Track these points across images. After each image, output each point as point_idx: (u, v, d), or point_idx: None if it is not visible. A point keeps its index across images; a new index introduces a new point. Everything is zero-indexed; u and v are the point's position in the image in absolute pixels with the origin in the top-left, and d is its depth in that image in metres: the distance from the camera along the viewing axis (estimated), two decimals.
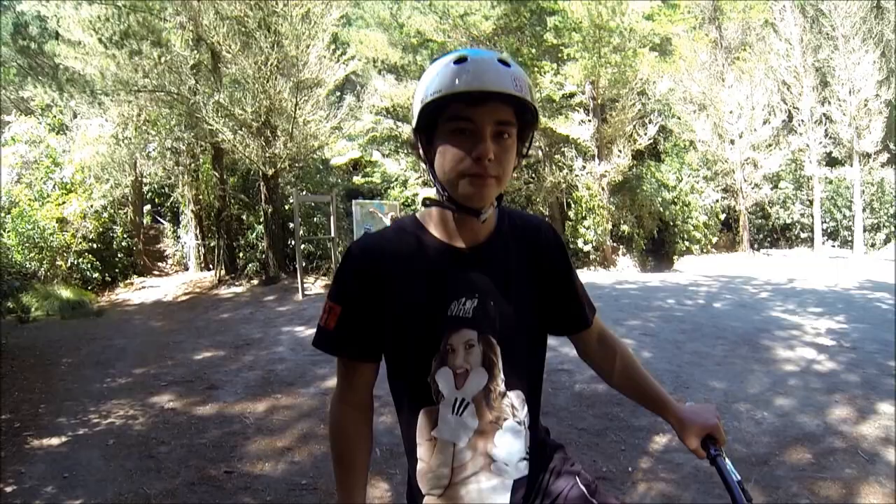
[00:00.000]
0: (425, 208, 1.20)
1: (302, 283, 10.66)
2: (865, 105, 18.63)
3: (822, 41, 19.34)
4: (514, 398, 1.17)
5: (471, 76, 1.02)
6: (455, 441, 1.14)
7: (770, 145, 19.39)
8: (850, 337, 6.30)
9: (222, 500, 3.25)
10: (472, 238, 1.16)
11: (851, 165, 19.36)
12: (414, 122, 1.12)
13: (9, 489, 3.44)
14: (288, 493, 3.30)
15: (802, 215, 21.04)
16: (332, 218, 11.83)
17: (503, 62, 1.05)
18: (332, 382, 5.04)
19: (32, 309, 10.28)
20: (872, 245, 19.88)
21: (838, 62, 18.82)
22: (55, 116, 15.38)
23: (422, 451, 1.16)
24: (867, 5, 18.69)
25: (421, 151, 1.14)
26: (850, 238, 19.88)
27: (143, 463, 3.74)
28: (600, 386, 4.65)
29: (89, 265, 13.20)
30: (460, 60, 1.04)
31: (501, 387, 1.16)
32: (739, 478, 1.10)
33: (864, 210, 19.38)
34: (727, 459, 1.15)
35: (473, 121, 1.04)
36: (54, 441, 4.19)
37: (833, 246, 20.38)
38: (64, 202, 13.26)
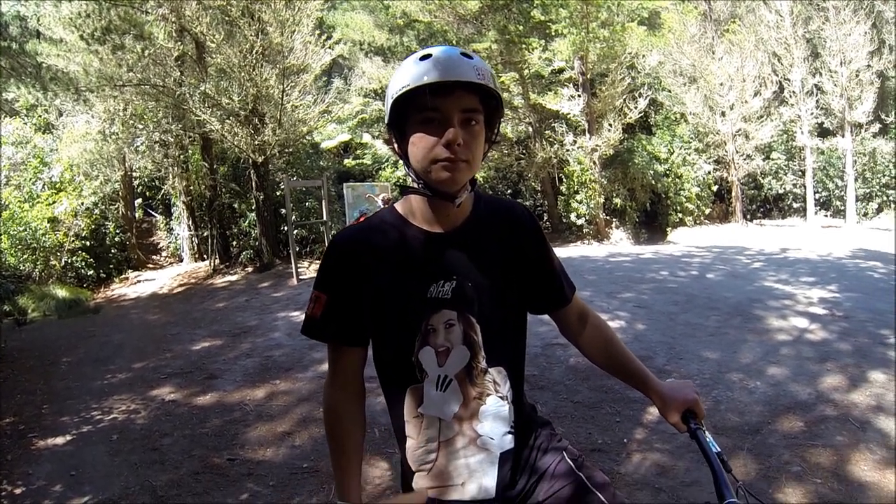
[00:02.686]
0: (403, 197, 1.26)
1: (296, 267, 10.68)
2: (857, 76, 18.59)
3: (813, 12, 19.18)
4: (496, 374, 1.23)
5: (436, 70, 1.08)
6: (441, 417, 1.20)
7: (761, 116, 19.36)
8: (843, 306, 6.35)
9: (226, 487, 3.30)
10: (449, 223, 1.22)
11: (843, 136, 19.36)
12: (387, 117, 1.18)
13: (18, 491, 3.48)
14: (290, 476, 3.36)
15: (795, 186, 21.10)
16: (323, 202, 11.84)
17: (465, 55, 1.12)
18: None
19: (29, 310, 10.28)
20: (865, 214, 20.00)
21: (829, 33, 18.69)
22: (40, 116, 15.31)
23: (410, 428, 1.22)
24: None
25: (395, 145, 1.20)
26: (842, 208, 19.97)
27: (148, 456, 3.79)
28: None
29: (83, 263, 13.21)
30: (425, 57, 1.11)
31: (483, 363, 1.21)
32: (719, 449, 1.15)
33: (856, 180, 19.44)
34: (707, 432, 1.21)
35: (441, 110, 1.10)
36: (59, 440, 4.22)
37: (826, 216, 20.50)
38: (54, 202, 13.22)
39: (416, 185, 1.18)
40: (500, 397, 1.23)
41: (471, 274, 1.20)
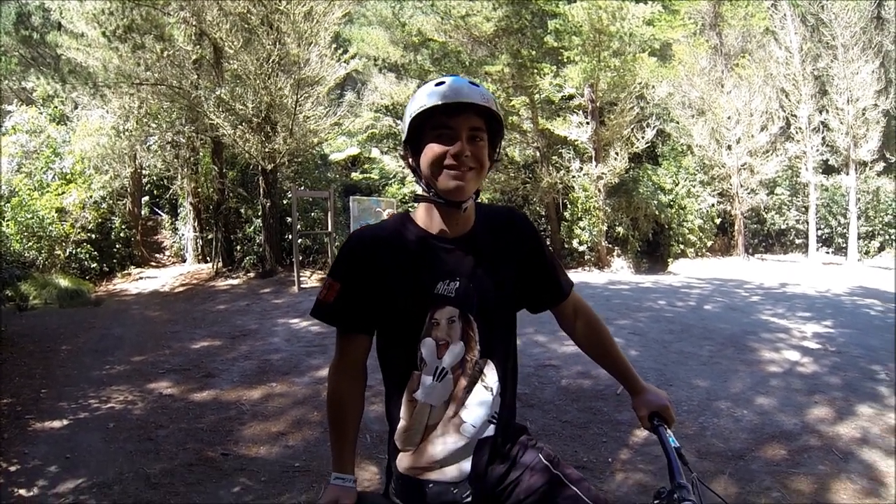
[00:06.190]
0: (416, 204, 1.42)
1: (298, 276, 10.78)
2: (863, 114, 18.82)
3: (822, 50, 19.48)
4: (485, 366, 1.37)
5: (449, 93, 1.28)
6: (432, 403, 1.33)
7: (767, 151, 19.52)
8: (836, 341, 6.41)
9: (219, 479, 3.38)
10: (457, 230, 1.37)
11: (847, 174, 19.54)
12: (404, 135, 1.36)
13: (13, 468, 3.57)
14: (281, 474, 3.43)
15: (798, 221, 21.22)
16: (329, 213, 11.96)
17: (473, 83, 1.31)
18: (325, 372, 5.18)
19: (31, 297, 10.40)
20: (866, 252, 20.09)
21: (837, 71, 18.97)
22: (56, 107, 15.53)
23: (403, 410, 1.35)
24: (867, 15, 18.86)
25: (410, 160, 1.37)
26: (844, 245, 20.07)
27: (143, 445, 3.87)
28: (585, 381, 4.78)
29: (87, 255, 13.33)
30: (440, 83, 1.30)
31: (476, 356, 1.35)
32: (678, 445, 1.26)
33: (858, 218, 19.60)
34: (668, 430, 1.35)
35: (452, 127, 1.28)
36: (56, 424, 4.31)
37: (827, 252, 20.58)
38: (63, 192, 13.37)
39: (427, 194, 1.34)
40: (485, 387, 1.36)
41: (473, 275, 1.35)
